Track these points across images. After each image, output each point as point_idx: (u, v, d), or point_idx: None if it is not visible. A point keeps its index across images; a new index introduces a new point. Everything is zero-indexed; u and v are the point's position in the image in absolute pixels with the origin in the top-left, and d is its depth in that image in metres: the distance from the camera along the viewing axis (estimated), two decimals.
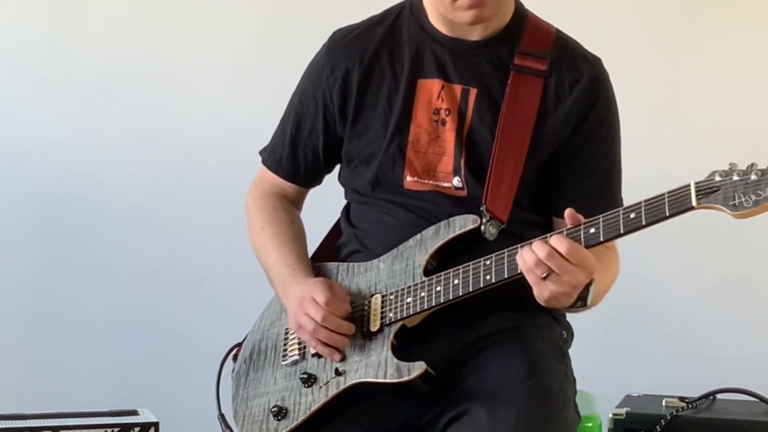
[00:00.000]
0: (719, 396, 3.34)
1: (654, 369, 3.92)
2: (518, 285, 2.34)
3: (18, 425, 3.17)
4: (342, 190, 2.68)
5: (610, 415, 3.21)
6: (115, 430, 3.19)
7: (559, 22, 2.61)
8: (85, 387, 4.02)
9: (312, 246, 2.71)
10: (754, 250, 3.94)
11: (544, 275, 2.26)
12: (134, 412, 3.28)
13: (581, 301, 2.33)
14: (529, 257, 2.27)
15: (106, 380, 4.07)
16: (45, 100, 4.14)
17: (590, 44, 2.60)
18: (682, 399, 3.29)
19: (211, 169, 4.10)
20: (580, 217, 2.29)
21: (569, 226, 2.28)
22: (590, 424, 2.84)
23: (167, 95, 4.13)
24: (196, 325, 4.08)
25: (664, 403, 3.28)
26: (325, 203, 2.71)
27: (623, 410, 3.23)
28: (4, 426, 3.16)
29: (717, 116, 3.99)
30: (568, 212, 2.29)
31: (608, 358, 3.89)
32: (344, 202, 2.69)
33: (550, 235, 2.29)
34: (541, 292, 2.29)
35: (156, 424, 3.22)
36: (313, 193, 2.77)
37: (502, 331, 2.48)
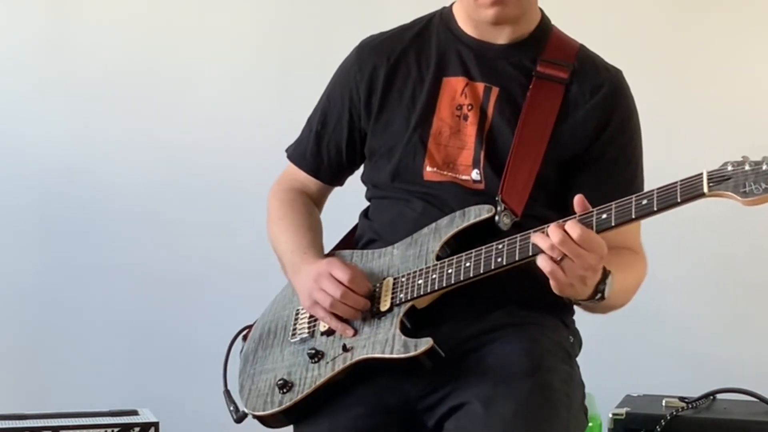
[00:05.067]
0: (719, 396, 3.35)
1: (654, 369, 3.92)
2: (529, 281, 2.38)
3: (18, 425, 3.18)
4: (361, 196, 2.70)
5: (610, 415, 3.21)
6: (115, 430, 3.19)
7: (559, 22, 2.63)
8: (85, 387, 4.02)
9: (328, 248, 2.72)
10: (754, 250, 3.94)
11: (559, 259, 2.27)
12: (134, 412, 3.28)
13: (599, 294, 2.34)
14: (543, 242, 2.29)
15: (106, 380, 4.07)
16: (47, 101, 4.14)
17: (590, 43, 2.62)
18: (682, 399, 3.29)
19: (211, 171, 4.10)
20: (588, 205, 2.31)
21: (581, 213, 2.30)
22: (590, 424, 2.83)
23: (168, 97, 4.13)
24: (196, 325, 4.08)
25: (664, 403, 3.28)
26: (343, 212, 2.72)
27: (623, 410, 3.23)
28: (4, 426, 3.16)
29: (716, 117, 3.99)
30: (578, 198, 2.31)
31: (608, 358, 3.89)
32: (360, 210, 2.71)
33: (564, 221, 2.30)
34: (557, 277, 2.29)
35: (156, 424, 3.22)
36: (331, 201, 2.79)
37: (509, 326, 2.49)
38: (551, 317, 2.53)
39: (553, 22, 2.64)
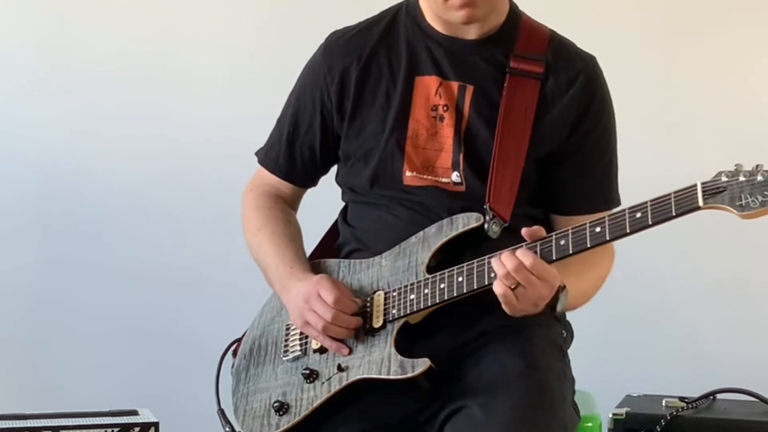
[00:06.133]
0: (719, 396, 3.35)
1: (654, 369, 3.92)
2: None
3: (18, 425, 3.17)
4: (338, 192, 2.68)
5: (610, 415, 3.21)
6: (115, 430, 3.18)
7: (559, 22, 2.62)
8: (85, 387, 4.02)
9: (308, 249, 2.70)
10: (754, 250, 3.94)
11: (513, 287, 2.30)
12: (134, 412, 3.28)
13: (550, 310, 2.37)
14: (498, 269, 2.31)
15: (106, 380, 4.07)
16: (45, 99, 4.14)
17: (589, 44, 2.61)
18: (682, 399, 3.29)
19: (210, 169, 4.10)
20: (541, 233, 2.33)
21: (575, 226, 2.30)
22: (590, 424, 2.83)
23: (167, 95, 4.13)
24: (196, 324, 4.08)
25: (664, 403, 3.28)
26: (321, 207, 2.71)
27: (623, 410, 3.23)
28: (4, 426, 3.16)
29: (715, 116, 3.99)
30: (529, 231, 2.33)
31: (608, 358, 3.89)
32: (340, 205, 2.69)
33: (558, 234, 2.31)
34: (510, 302, 2.32)
35: (156, 424, 3.21)
36: (309, 197, 2.77)
37: (502, 327, 2.48)
38: (543, 314, 2.50)
39: (526, 9, 2.60)
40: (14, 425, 3.17)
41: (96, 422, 3.21)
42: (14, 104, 4.13)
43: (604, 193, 2.55)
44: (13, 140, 4.11)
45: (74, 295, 4.13)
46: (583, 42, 2.60)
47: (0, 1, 4.13)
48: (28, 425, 3.17)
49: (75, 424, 3.20)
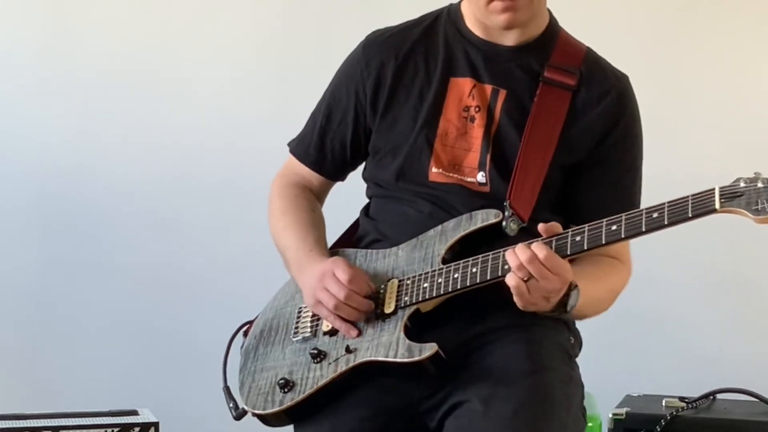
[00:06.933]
0: (719, 396, 3.35)
1: (654, 369, 3.92)
2: None
3: (18, 425, 3.18)
4: (361, 191, 2.70)
5: (610, 415, 3.22)
6: (115, 430, 3.19)
7: (561, 22, 2.63)
8: (85, 387, 4.02)
9: (329, 243, 2.72)
10: (755, 250, 3.94)
11: (525, 279, 2.31)
12: (134, 412, 3.28)
13: (561, 307, 2.38)
14: (512, 261, 2.32)
15: (106, 380, 4.07)
16: (46, 100, 4.14)
17: (591, 44, 2.62)
18: (682, 399, 3.30)
19: (211, 171, 4.09)
20: (557, 228, 2.35)
21: (591, 223, 2.33)
22: (590, 424, 2.84)
23: (168, 96, 4.13)
24: (196, 325, 4.07)
25: (664, 403, 3.28)
26: (343, 206, 2.72)
27: (623, 410, 3.23)
28: (4, 426, 3.16)
29: (719, 117, 3.99)
30: (547, 227, 2.35)
31: (608, 358, 3.89)
32: (362, 204, 2.71)
33: (575, 231, 2.34)
34: (521, 292, 2.34)
35: (156, 424, 3.22)
36: (331, 199, 2.79)
37: (511, 326, 2.49)
38: (553, 318, 2.52)
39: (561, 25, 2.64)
40: (14, 425, 3.18)
41: (96, 422, 3.21)
42: (14, 104, 4.13)
43: (626, 207, 2.55)
44: (13, 140, 4.11)
45: (74, 295, 4.13)
46: (585, 41, 2.62)
47: (0, 1, 4.13)
48: (28, 425, 3.18)
49: (75, 424, 3.20)
